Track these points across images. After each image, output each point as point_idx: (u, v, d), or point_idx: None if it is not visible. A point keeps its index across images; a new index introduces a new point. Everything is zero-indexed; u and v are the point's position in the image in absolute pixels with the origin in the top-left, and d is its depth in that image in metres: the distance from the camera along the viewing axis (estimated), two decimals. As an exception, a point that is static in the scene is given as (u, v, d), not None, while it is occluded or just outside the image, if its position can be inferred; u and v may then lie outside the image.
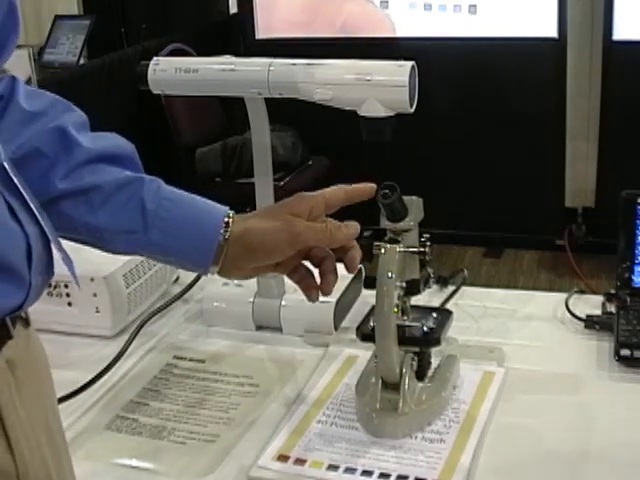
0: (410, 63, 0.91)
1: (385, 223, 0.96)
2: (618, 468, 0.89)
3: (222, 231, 0.83)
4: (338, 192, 0.89)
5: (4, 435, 0.63)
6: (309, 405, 1.02)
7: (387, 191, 0.92)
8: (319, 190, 0.89)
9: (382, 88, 0.91)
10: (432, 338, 1.00)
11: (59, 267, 0.71)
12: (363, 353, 1.08)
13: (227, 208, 0.86)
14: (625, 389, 1.03)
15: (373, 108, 0.91)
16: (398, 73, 0.91)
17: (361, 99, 0.92)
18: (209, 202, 0.86)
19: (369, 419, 0.96)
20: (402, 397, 0.95)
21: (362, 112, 0.92)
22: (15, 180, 0.66)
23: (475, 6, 3.67)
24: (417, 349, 0.99)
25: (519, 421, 0.97)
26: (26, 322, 0.69)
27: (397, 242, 0.95)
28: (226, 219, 0.84)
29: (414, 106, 0.91)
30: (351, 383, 1.03)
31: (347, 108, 0.93)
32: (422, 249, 0.97)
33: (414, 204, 0.96)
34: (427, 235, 0.98)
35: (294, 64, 0.95)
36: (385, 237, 0.96)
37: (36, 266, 0.65)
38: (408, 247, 0.96)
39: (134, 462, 0.95)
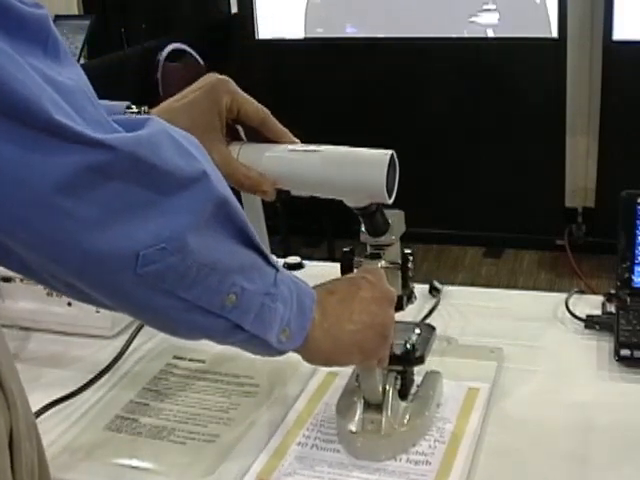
0: (389, 153, 0.83)
1: (365, 237, 0.92)
2: (618, 468, 0.88)
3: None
4: (259, 114, 0.86)
5: None
6: (288, 426, 0.98)
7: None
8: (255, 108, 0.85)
9: (359, 183, 0.84)
10: (416, 357, 0.95)
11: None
12: (341, 370, 1.03)
13: None
14: (625, 389, 1.03)
15: (353, 200, 0.86)
16: (376, 166, 0.83)
17: (337, 193, 0.86)
18: None
19: (351, 441, 0.92)
20: (385, 418, 0.91)
21: (345, 202, 0.87)
22: None
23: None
24: (400, 368, 0.95)
25: (518, 421, 0.97)
26: None
27: (378, 257, 0.91)
28: None
29: (393, 196, 0.84)
30: (331, 402, 0.99)
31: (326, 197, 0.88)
32: (404, 264, 0.93)
33: (395, 217, 0.92)
34: (409, 250, 0.94)
35: (265, 155, 0.87)
36: (366, 252, 0.92)
37: None
38: (390, 262, 0.92)
39: (134, 462, 0.95)
